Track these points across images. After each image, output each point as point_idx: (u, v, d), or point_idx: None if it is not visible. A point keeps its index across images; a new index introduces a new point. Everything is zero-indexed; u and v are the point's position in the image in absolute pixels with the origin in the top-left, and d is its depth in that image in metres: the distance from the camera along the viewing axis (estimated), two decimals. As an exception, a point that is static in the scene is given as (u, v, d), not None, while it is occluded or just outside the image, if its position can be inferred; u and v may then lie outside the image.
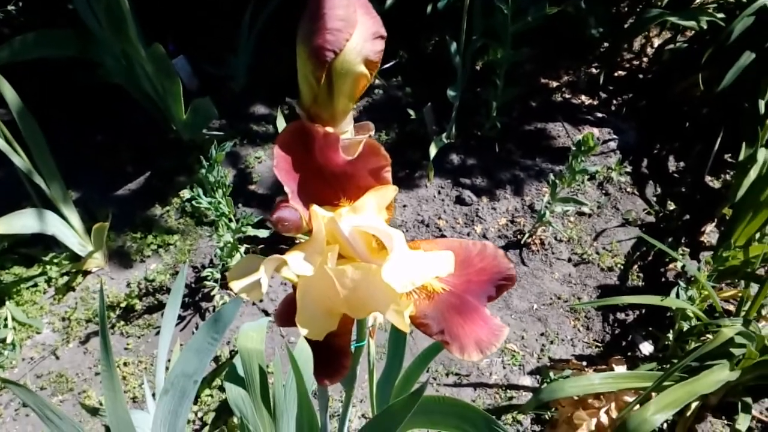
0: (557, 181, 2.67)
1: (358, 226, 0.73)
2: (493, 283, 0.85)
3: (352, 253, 0.82)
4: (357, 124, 0.79)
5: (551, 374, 2.48)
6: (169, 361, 2.34)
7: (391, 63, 3.66)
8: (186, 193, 2.34)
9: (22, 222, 2.47)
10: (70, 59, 3.15)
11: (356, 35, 0.67)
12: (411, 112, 3.39)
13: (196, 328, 2.66)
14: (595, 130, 3.41)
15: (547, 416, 2.42)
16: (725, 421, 2.42)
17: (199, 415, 2.46)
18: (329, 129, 0.73)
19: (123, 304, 2.76)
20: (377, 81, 3.60)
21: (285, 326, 0.92)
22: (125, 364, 2.60)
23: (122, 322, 2.72)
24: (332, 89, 0.71)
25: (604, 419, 2.14)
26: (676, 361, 2.41)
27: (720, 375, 1.99)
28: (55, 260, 2.83)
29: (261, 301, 2.76)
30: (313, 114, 0.74)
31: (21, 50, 2.85)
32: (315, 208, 0.78)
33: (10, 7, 3.58)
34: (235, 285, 0.78)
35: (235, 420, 2.40)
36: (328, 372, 0.87)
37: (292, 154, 0.75)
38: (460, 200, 3.13)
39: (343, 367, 0.87)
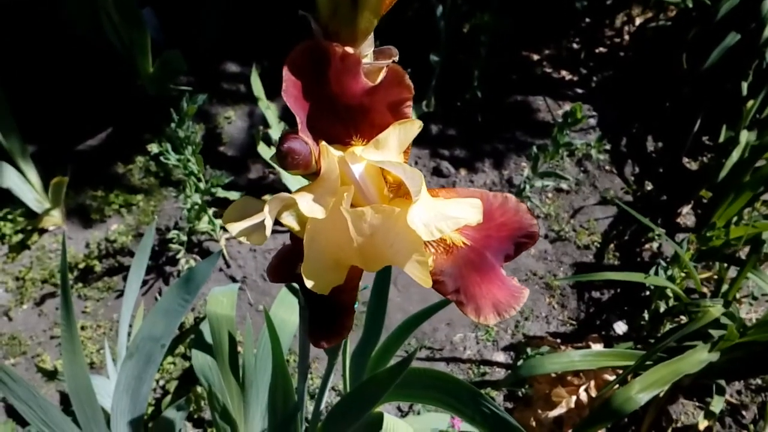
0: (540, 155, 2.60)
1: (379, 163, 0.63)
2: (513, 240, 0.77)
3: (361, 199, 0.73)
4: (377, 49, 0.69)
5: (528, 350, 2.44)
6: (130, 326, 2.22)
7: (370, 27, 3.53)
8: (154, 148, 2.20)
9: (-26, 173, 2.30)
10: (29, 4, 2.95)
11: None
12: (390, 78, 3.28)
13: (160, 294, 2.54)
14: (580, 105, 3.35)
15: (520, 393, 2.38)
16: (696, 403, 2.41)
17: (161, 383, 2.35)
18: (349, 49, 0.63)
19: (81, 266, 2.61)
20: (355, 45, 3.47)
21: (279, 281, 0.83)
22: (83, 328, 2.47)
23: (80, 284, 2.58)
24: (357, 1, 0.61)
25: (584, 397, 2.10)
26: (652, 341, 2.39)
27: (701, 356, 1.96)
28: (9, 216, 2.66)
29: (229, 267, 2.65)
30: (331, 31, 0.64)
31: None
32: (325, 144, 0.68)
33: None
34: (234, 227, 0.68)
35: (200, 389, 2.30)
36: (328, 332, 0.78)
37: (303, 78, 0.65)
38: (437, 171, 3.05)
39: (345, 328, 0.78)
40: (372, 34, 0.67)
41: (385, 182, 0.73)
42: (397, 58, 0.67)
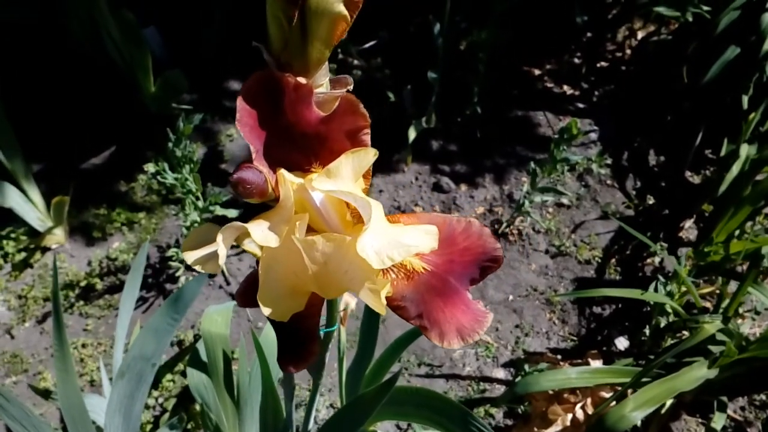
0: (538, 170, 2.60)
1: (330, 192, 0.64)
2: (478, 265, 0.77)
3: (323, 225, 0.73)
4: (333, 78, 0.69)
5: (526, 367, 2.42)
6: (128, 343, 2.23)
7: (371, 42, 3.55)
8: (151, 167, 2.22)
9: (-25, 193, 2.33)
10: (33, 24, 2.99)
11: (335, -32, 0.58)
12: (390, 94, 3.30)
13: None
14: (577, 121, 3.34)
15: (520, 410, 2.36)
16: (699, 420, 2.38)
17: (160, 401, 2.36)
18: (301, 80, 0.64)
19: (83, 283, 2.63)
20: (356, 61, 3.49)
21: (248, 306, 0.83)
22: (83, 345, 2.49)
23: (82, 302, 2.60)
24: (306, 32, 0.62)
25: (580, 415, 2.09)
26: (652, 357, 2.37)
27: (699, 372, 1.94)
28: (12, 235, 2.69)
29: (228, 284, 2.66)
30: (284, 62, 0.65)
31: (-19, 11, 2.70)
32: (283, 172, 0.69)
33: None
34: (190, 256, 0.69)
35: (197, 407, 2.30)
36: (293, 358, 0.78)
37: (258, 108, 0.66)
38: (437, 187, 3.05)
39: (310, 353, 0.78)
40: (326, 63, 0.67)
41: (348, 208, 0.74)
42: (351, 87, 0.68)
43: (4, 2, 2.74)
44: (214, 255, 0.66)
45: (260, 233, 0.64)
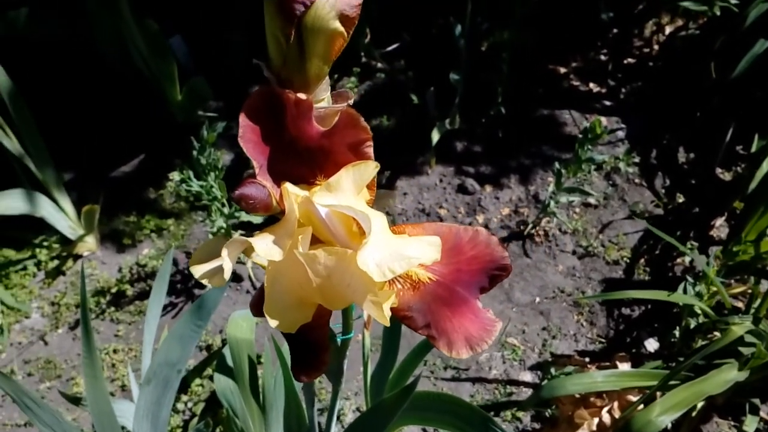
0: (563, 170, 2.58)
1: (330, 206, 0.65)
2: (486, 273, 0.77)
3: (330, 237, 0.74)
4: (335, 92, 0.70)
5: (552, 370, 2.40)
6: (156, 348, 2.27)
7: (394, 45, 3.55)
8: (176, 176, 2.26)
9: (9, 203, 2.40)
10: (62, 37, 3.06)
11: (330, -14, 0.59)
12: (413, 96, 3.30)
13: (187, 315, 2.59)
14: (603, 119, 3.31)
15: (547, 414, 2.34)
16: (731, 422, 2.33)
17: (189, 405, 2.39)
18: (301, 95, 0.65)
19: (114, 290, 2.69)
20: (379, 64, 3.50)
21: (261, 316, 0.85)
22: (115, 351, 2.54)
23: (113, 308, 2.65)
24: (304, 49, 0.63)
25: (607, 419, 2.06)
26: (682, 359, 2.33)
27: (728, 375, 1.90)
28: (45, 243, 2.76)
29: (255, 289, 2.69)
30: (284, 78, 0.66)
31: (12, 27, 2.77)
32: (287, 185, 0.69)
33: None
34: (197, 270, 0.70)
35: (224, 411, 2.33)
36: (305, 368, 0.79)
37: (260, 124, 0.67)
38: (462, 188, 3.04)
39: (321, 363, 0.79)
40: (327, 78, 0.68)
41: (353, 219, 0.74)
42: (352, 101, 0.68)
43: (34, 21, 2.80)
44: (220, 269, 0.67)
45: (264, 247, 0.66)
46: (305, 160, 0.70)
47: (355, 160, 0.70)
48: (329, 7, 0.60)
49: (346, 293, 0.67)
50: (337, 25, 0.61)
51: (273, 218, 0.76)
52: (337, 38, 0.62)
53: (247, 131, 0.66)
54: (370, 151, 0.70)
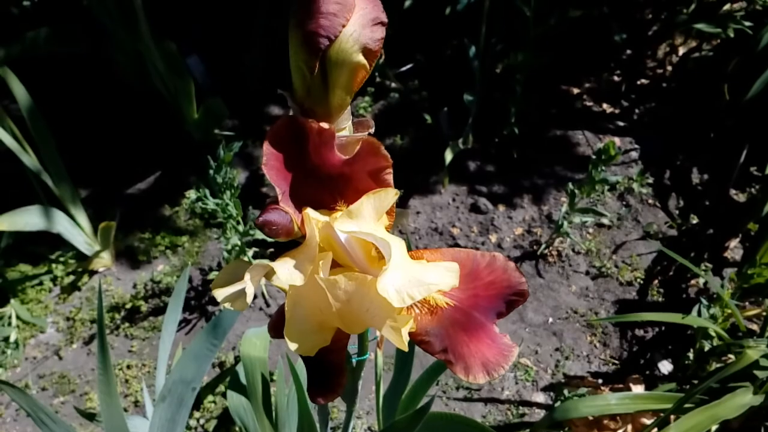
0: (576, 191, 2.58)
1: (351, 233, 0.66)
2: (503, 299, 0.78)
3: (349, 261, 0.75)
4: (356, 120, 0.72)
5: (565, 392, 2.39)
6: (170, 365, 2.29)
7: (408, 66, 3.59)
8: (192, 194, 2.28)
9: (26, 219, 2.43)
10: (82, 56, 3.12)
11: (353, 21, 0.61)
12: (427, 116, 3.32)
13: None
14: (617, 139, 3.32)
15: (560, 435, 2.33)
16: (747, 446, 2.31)
17: (201, 421, 2.40)
18: (324, 125, 0.66)
19: (128, 306, 2.71)
20: (393, 84, 3.53)
21: (278, 338, 0.86)
22: (128, 366, 2.55)
23: (127, 324, 2.67)
24: (327, 81, 0.64)
25: (620, 441, 2.05)
26: (696, 382, 2.31)
27: (743, 399, 1.89)
28: (61, 259, 2.79)
29: (268, 306, 2.70)
30: (307, 108, 0.67)
31: (33, 46, 2.82)
32: (309, 211, 0.71)
33: (25, 3, 3.56)
34: (219, 293, 0.71)
35: (237, 429, 2.34)
36: (322, 390, 0.80)
37: (283, 152, 0.69)
38: (475, 208, 3.05)
39: (338, 385, 0.80)
40: (349, 108, 0.70)
41: (372, 244, 0.75)
42: (372, 130, 0.70)
43: (56, 36, 2.85)
44: (243, 293, 0.68)
45: (286, 272, 0.67)
46: (326, 187, 0.72)
47: (374, 186, 0.71)
48: (353, 41, 0.61)
49: (365, 318, 0.68)
50: (360, 58, 0.63)
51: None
52: (359, 70, 0.64)
53: (270, 159, 0.67)
54: (390, 178, 0.71)
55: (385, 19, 0.62)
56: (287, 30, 0.64)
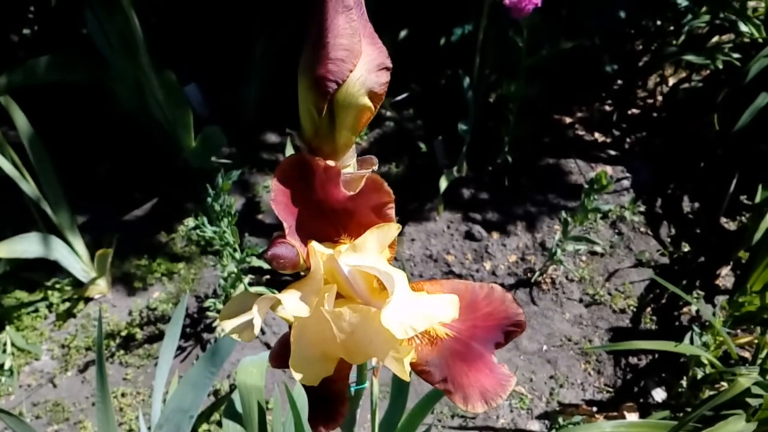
0: (569, 219, 2.62)
1: (356, 266, 0.69)
2: (501, 329, 0.80)
3: (352, 293, 0.77)
4: (360, 158, 0.75)
5: (560, 420, 2.40)
6: (167, 393, 2.29)
7: (403, 95, 3.64)
8: (191, 222, 2.31)
9: (24, 246, 2.44)
10: (82, 85, 3.15)
11: (360, 66, 0.64)
12: (422, 144, 3.37)
13: (197, 360, 2.61)
14: (609, 168, 3.36)
15: (555, 463, 2.34)
16: (741, 474, 2.32)
17: (196, 450, 2.39)
18: (330, 162, 0.69)
19: (123, 333, 2.71)
20: (389, 113, 3.58)
21: (280, 368, 0.88)
22: (123, 394, 2.55)
23: (122, 351, 2.67)
24: (334, 122, 0.67)
25: (615, 469, 2.05)
26: (689, 409, 2.33)
27: (736, 426, 1.91)
28: (57, 286, 2.79)
29: (263, 334, 2.71)
30: (314, 147, 0.70)
31: (33, 74, 2.85)
32: (314, 244, 0.73)
33: (25, 31, 3.61)
34: (227, 325, 0.73)
35: (233, 457, 2.33)
36: (324, 420, 0.82)
37: (291, 188, 0.71)
38: (469, 235, 3.08)
39: (340, 415, 0.82)
40: (353, 146, 0.73)
41: (374, 276, 0.78)
42: (376, 167, 0.73)
43: (56, 65, 2.89)
44: (250, 324, 0.70)
45: (292, 304, 0.69)
46: (331, 221, 0.74)
47: (377, 220, 0.74)
48: (359, 85, 0.65)
49: (368, 349, 0.70)
50: (366, 101, 0.66)
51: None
52: (365, 112, 0.67)
53: (278, 194, 0.70)
54: (392, 212, 0.74)
55: (390, 65, 0.66)
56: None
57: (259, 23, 3.43)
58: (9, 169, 2.37)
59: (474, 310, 0.80)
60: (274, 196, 0.71)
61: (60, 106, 3.50)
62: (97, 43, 2.94)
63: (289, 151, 2.91)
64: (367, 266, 0.68)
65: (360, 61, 0.63)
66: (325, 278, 0.74)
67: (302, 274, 0.77)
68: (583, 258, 3.03)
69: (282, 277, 2.79)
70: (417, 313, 0.68)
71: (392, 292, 0.67)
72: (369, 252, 0.70)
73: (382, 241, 0.71)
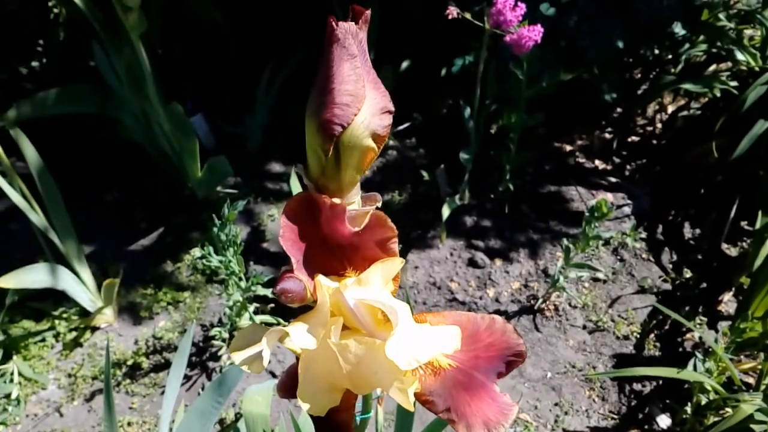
0: (571, 246, 2.64)
1: (361, 300, 0.72)
2: (503, 359, 0.83)
3: (357, 324, 0.80)
4: (364, 195, 0.78)
5: (565, 446, 2.40)
6: (173, 422, 2.30)
7: (405, 125, 3.70)
8: (197, 252, 2.34)
9: (33, 277, 2.47)
10: (90, 116, 3.21)
11: (364, 110, 0.67)
12: (424, 173, 3.41)
13: (203, 389, 2.62)
14: (609, 195, 3.40)
15: (560, 491, 2.33)
16: (747, 501, 2.31)
17: (201, 479, 2.39)
18: (336, 200, 0.72)
19: (130, 362, 2.73)
20: (391, 142, 3.63)
21: (287, 398, 0.90)
22: (129, 424, 2.56)
23: (128, 380, 2.69)
24: (340, 162, 0.71)
25: (620, 497, 2.05)
26: (694, 436, 2.33)
27: (741, 453, 1.91)
28: (64, 315, 2.82)
29: (269, 362, 2.72)
30: (321, 185, 0.74)
31: (42, 106, 2.91)
32: (320, 278, 0.76)
33: (33, 63, 3.68)
34: (237, 356, 0.76)
35: (238, 486, 2.33)
36: (330, 448, 0.84)
37: (298, 224, 0.75)
38: (472, 263, 3.11)
39: (346, 444, 0.84)
40: (358, 184, 0.76)
41: (379, 308, 0.81)
42: (380, 204, 0.76)
43: (64, 97, 2.95)
44: (259, 356, 0.73)
45: (299, 336, 0.72)
46: (337, 255, 0.77)
47: (381, 254, 0.77)
48: (363, 127, 0.68)
49: (373, 380, 0.73)
50: (370, 142, 0.70)
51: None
52: (369, 153, 0.71)
53: (286, 231, 0.73)
54: (395, 247, 0.77)
55: (393, 108, 0.69)
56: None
57: (264, 55, 3.51)
58: (18, 199, 2.41)
59: (476, 341, 0.82)
60: (283, 233, 0.74)
61: (67, 136, 3.56)
62: (104, 75, 3.00)
63: (294, 181, 2.94)
64: (372, 299, 0.71)
65: (364, 106, 0.67)
66: (332, 311, 0.77)
67: (311, 305, 0.80)
68: (586, 284, 3.05)
69: (286, 307, 2.81)
70: (420, 345, 0.70)
71: (396, 324, 0.70)
72: (374, 285, 0.73)
73: (386, 275, 0.74)
